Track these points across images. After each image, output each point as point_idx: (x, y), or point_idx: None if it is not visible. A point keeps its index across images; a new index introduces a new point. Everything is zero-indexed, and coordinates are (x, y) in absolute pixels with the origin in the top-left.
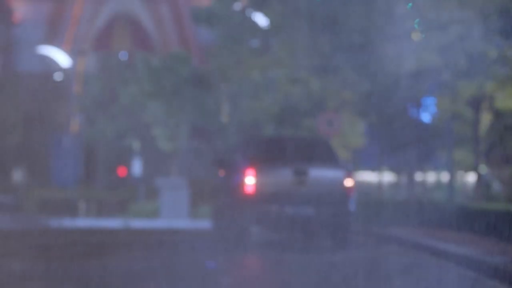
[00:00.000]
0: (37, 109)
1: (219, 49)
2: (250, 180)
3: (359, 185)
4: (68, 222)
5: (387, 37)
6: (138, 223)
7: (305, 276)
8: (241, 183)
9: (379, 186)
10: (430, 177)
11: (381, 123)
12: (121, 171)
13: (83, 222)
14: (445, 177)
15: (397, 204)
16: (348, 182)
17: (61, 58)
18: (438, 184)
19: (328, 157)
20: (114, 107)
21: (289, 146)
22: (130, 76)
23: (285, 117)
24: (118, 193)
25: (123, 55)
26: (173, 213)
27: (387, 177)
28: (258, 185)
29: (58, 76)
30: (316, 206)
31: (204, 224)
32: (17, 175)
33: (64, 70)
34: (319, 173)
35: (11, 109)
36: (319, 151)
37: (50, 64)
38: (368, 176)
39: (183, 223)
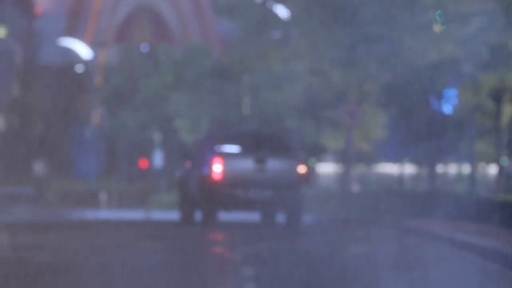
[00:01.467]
0: (59, 101)
1: (240, 41)
2: (217, 168)
3: (380, 177)
4: (90, 214)
5: (408, 28)
6: (159, 215)
7: (327, 268)
8: (209, 171)
9: (400, 178)
10: (452, 169)
11: (402, 115)
12: (143, 163)
13: (104, 214)
14: (466, 169)
15: (418, 196)
16: (301, 169)
17: (83, 50)
18: (460, 176)
19: (285, 149)
20: (136, 99)
21: (251, 139)
22: (152, 68)
23: (306, 109)
24: (139, 185)
25: (144, 47)
26: None
27: (408, 169)
28: (224, 172)
29: (79, 68)
30: (273, 189)
31: (226, 216)
32: (39, 167)
33: (85, 62)
34: (276, 162)
35: (32, 101)
36: (277, 144)
37: (71, 56)
38: (389, 168)
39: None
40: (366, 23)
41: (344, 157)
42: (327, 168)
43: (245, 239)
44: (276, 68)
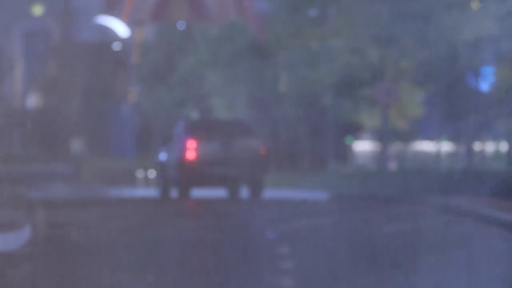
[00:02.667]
0: (96, 79)
1: (277, 19)
2: (191, 150)
3: (417, 155)
4: (126, 192)
5: (446, 6)
6: (195, 193)
7: (362, 246)
8: (184, 152)
9: (437, 155)
10: (489, 146)
11: (439, 92)
12: None
13: (141, 191)
14: (503, 146)
15: (456, 174)
16: (262, 150)
17: (120, 28)
18: (497, 154)
19: (248, 133)
20: (172, 77)
21: (220, 125)
22: (188, 46)
23: (343, 86)
24: None
25: (181, 25)
26: None
27: (445, 146)
28: (197, 153)
29: (116, 46)
30: (238, 167)
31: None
32: (76, 145)
33: (122, 40)
34: (241, 144)
35: (70, 79)
36: (240, 129)
37: (108, 34)
38: (426, 146)
39: (240, 191)
40: (403, 0)
41: (380, 135)
42: (364, 146)
43: (281, 217)
44: (313, 46)
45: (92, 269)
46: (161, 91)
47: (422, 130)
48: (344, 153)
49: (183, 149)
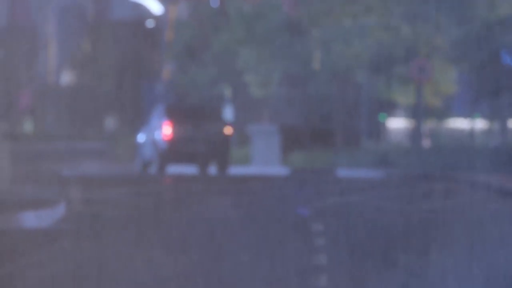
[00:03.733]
0: (130, 56)
1: None
2: (167, 130)
3: (450, 132)
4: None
5: None
6: (229, 170)
7: (396, 223)
8: (161, 133)
9: (471, 133)
10: None
11: (473, 69)
12: None
13: (174, 169)
14: None
15: (490, 151)
16: (227, 131)
17: (153, 5)
18: None
19: (216, 116)
20: (206, 55)
21: (192, 110)
22: (222, 23)
23: (376, 64)
24: None
25: (214, 2)
26: (265, 159)
27: (479, 124)
28: (173, 133)
29: (150, 24)
30: (207, 145)
31: (296, 170)
32: (110, 123)
33: (156, 17)
34: (209, 125)
35: (104, 56)
36: (210, 113)
37: (142, 12)
38: (460, 123)
39: (274, 169)
40: None
41: (414, 112)
42: (397, 124)
43: (314, 194)
44: (346, 23)
45: (126, 246)
46: (195, 68)
47: (455, 108)
48: (378, 130)
49: (161, 130)
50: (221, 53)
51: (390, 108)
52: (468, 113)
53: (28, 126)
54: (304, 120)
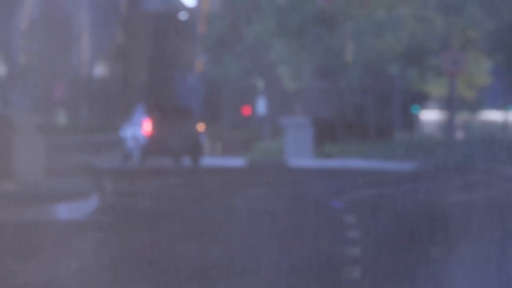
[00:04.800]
0: (162, 48)
1: None
2: (147, 127)
3: (484, 124)
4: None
5: None
6: (262, 162)
7: (429, 215)
8: (142, 129)
9: (504, 125)
10: None
11: (507, 61)
12: (246, 110)
13: (208, 161)
14: None
15: None
16: (200, 128)
17: None
18: None
19: (190, 114)
20: (238, 47)
21: (169, 108)
22: (255, 15)
23: (409, 56)
24: (243, 132)
25: None
26: (297, 152)
27: None
28: (152, 129)
29: (183, 16)
30: (182, 140)
31: (329, 162)
32: None
33: (188, 10)
34: (184, 123)
35: (136, 48)
36: (185, 111)
37: (175, 4)
38: (494, 115)
39: (307, 162)
40: None
41: (447, 104)
42: (430, 116)
43: (346, 187)
44: (379, 14)
45: (159, 238)
46: (228, 60)
47: (489, 100)
48: (411, 122)
49: (142, 126)
50: (253, 45)
51: (423, 100)
52: (502, 105)
53: (61, 118)
54: (336, 113)
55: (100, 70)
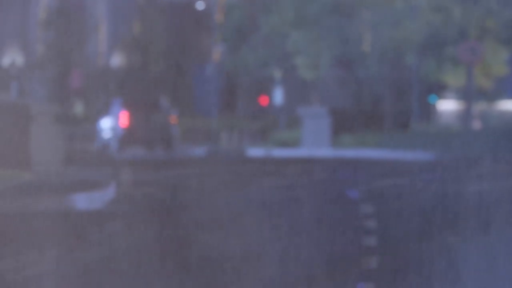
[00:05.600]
0: (179, 38)
1: None
2: (124, 119)
3: (501, 114)
4: (210, 151)
5: None
6: (279, 152)
7: (445, 205)
8: (120, 121)
9: None
10: None
11: None
12: (263, 100)
13: (223, 151)
14: None
15: None
16: (172, 120)
17: None
18: None
19: (163, 108)
20: (256, 36)
21: (144, 102)
22: (272, 5)
23: (427, 46)
24: (260, 122)
25: None
26: (314, 142)
27: None
28: (129, 121)
29: (200, 6)
30: (155, 131)
31: (346, 152)
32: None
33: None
34: (157, 116)
35: (153, 38)
36: (158, 104)
37: None
38: (511, 105)
39: (324, 152)
40: None
41: (465, 94)
42: (448, 106)
43: (364, 176)
44: (397, 4)
45: (177, 227)
46: (245, 50)
47: (506, 90)
48: (428, 112)
49: (119, 119)
50: (271, 35)
51: (440, 90)
52: None
53: (78, 108)
54: (354, 103)
55: (117, 60)
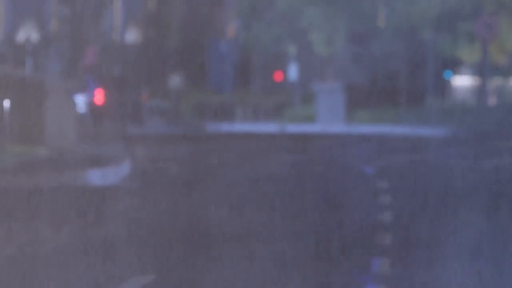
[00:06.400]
0: (195, 14)
1: None
2: (99, 95)
3: None
4: (225, 127)
5: None
6: (293, 128)
7: (461, 180)
8: (95, 98)
9: None
10: None
11: None
12: (278, 76)
13: (239, 126)
14: None
15: None
16: (143, 98)
17: None
18: None
19: (135, 86)
20: (271, 12)
21: (117, 80)
22: None
23: (442, 21)
24: (274, 98)
25: None
26: (329, 117)
27: None
28: (104, 98)
29: None
30: (128, 107)
31: (361, 128)
32: (175, 80)
33: None
34: (130, 93)
35: (168, 13)
36: (131, 83)
37: None
38: None
39: (339, 127)
40: None
41: (480, 70)
42: (463, 81)
43: (378, 152)
44: None
45: (192, 203)
46: (260, 26)
47: None
48: (443, 88)
49: (94, 95)
50: (285, 11)
51: (455, 65)
52: None
53: None
54: (368, 78)
55: (132, 35)
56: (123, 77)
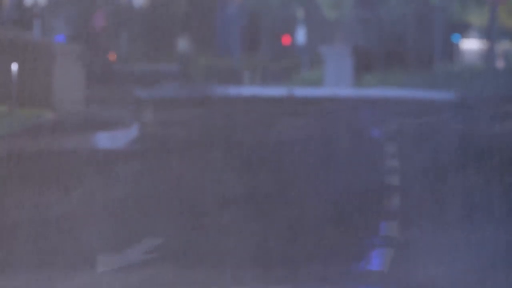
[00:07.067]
0: None
1: None
2: None
3: None
4: (233, 91)
5: None
6: (301, 92)
7: (470, 145)
8: None
9: None
10: None
11: None
12: (285, 40)
13: (247, 90)
14: None
15: None
16: (111, 57)
17: None
18: None
19: (104, 46)
20: None
21: (88, 40)
22: None
23: None
24: (282, 61)
25: None
26: (337, 81)
27: None
28: None
29: None
30: (98, 67)
31: (369, 92)
32: (182, 44)
33: None
34: (98, 53)
35: None
36: (100, 43)
37: None
38: None
39: (346, 91)
40: None
41: (488, 33)
42: (471, 45)
43: (386, 116)
44: None
45: (200, 166)
46: None
47: None
48: (451, 51)
49: None
50: None
51: (463, 29)
52: None
53: None
54: (376, 42)
55: None
56: (92, 35)
